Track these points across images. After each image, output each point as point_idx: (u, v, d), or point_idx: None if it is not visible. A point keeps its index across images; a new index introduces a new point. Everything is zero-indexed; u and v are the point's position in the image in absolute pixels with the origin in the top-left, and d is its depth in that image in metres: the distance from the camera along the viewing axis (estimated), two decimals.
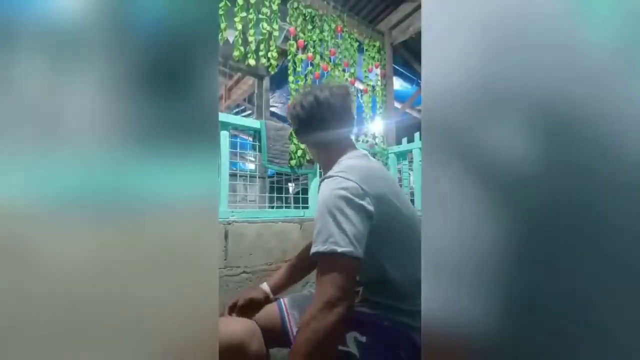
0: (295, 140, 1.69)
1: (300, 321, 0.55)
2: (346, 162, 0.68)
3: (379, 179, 0.65)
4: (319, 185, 0.65)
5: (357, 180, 0.60)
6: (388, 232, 0.62)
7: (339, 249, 0.54)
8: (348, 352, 0.60)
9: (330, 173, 0.64)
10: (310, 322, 0.53)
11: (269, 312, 0.77)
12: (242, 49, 1.54)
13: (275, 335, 0.72)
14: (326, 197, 0.59)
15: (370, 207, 0.59)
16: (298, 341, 0.54)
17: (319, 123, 0.73)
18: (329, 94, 0.72)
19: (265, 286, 0.83)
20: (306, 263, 0.88)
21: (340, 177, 0.61)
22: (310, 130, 0.74)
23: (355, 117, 0.78)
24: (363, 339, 0.61)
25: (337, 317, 0.53)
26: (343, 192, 0.58)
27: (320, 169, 0.84)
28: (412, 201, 2.02)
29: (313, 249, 0.57)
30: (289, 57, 1.81)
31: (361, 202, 0.58)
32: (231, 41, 1.55)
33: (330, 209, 0.57)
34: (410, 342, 0.62)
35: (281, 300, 0.80)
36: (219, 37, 1.45)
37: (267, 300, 0.81)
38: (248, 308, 0.78)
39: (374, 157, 2.03)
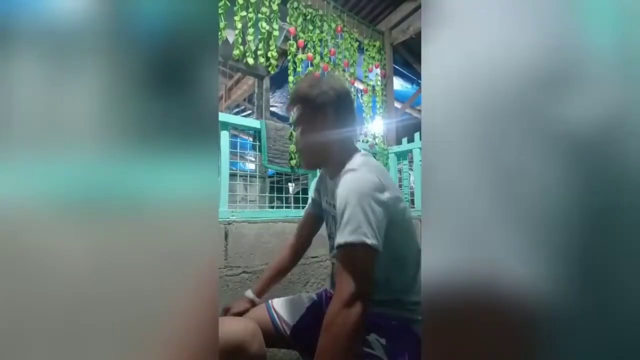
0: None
1: (325, 319, 0.55)
2: (360, 159, 0.67)
3: (391, 178, 0.67)
4: (342, 176, 0.63)
5: (379, 176, 0.61)
6: (397, 229, 0.62)
7: (368, 240, 0.54)
8: (373, 354, 0.60)
9: (350, 167, 0.64)
10: (335, 320, 0.53)
11: (256, 314, 0.78)
12: (241, 48, 1.54)
13: (265, 336, 0.73)
14: (354, 189, 0.58)
15: (389, 203, 0.60)
16: (326, 339, 0.53)
17: (343, 111, 0.69)
18: (347, 86, 0.71)
19: (249, 293, 0.83)
20: (287, 264, 0.89)
21: (364, 170, 0.61)
22: (333, 117, 0.68)
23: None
24: (383, 340, 0.62)
25: (358, 313, 0.53)
26: (370, 185, 0.59)
27: (308, 165, 0.78)
28: (412, 201, 2.02)
29: (340, 240, 0.56)
30: (289, 57, 1.81)
31: (383, 197, 0.59)
32: (231, 42, 1.55)
33: (360, 200, 0.57)
34: (417, 337, 0.63)
35: (269, 302, 0.81)
36: (219, 37, 1.44)
37: (253, 306, 0.82)
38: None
39: (374, 157, 2.03)
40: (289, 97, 0.73)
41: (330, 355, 0.52)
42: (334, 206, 0.70)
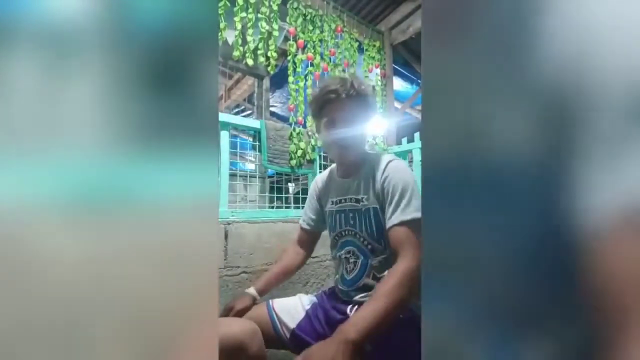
0: (295, 140, 1.68)
1: (404, 273, 0.59)
2: (386, 154, 0.74)
3: None
4: (386, 165, 0.70)
5: None
6: None
7: None
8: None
9: (389, 158, 0.71)
10: (413, 275, 0.58)
11: (256, 314, 0.77)
12: (241, 48, 1.54)
13: (264, 337, 0.72)
14: (410, 173, 0.69)
15: None
16: (394, 295, 0.56)
17: (374, 108, 0.78)
18: None
19: (252, 290, 0.82)
20: (293, 269, 0.88)
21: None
22: (370, 113, 0.76)
23: None
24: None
25: (414, 288, 0.58)
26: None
27: (337, 158, 0.79)
28: None
29: (408, 216, 0.63)
30: (289, 57, 1.81)
31: None
32: (230, 42, 1.55)
33: (416, 183, 0.67)
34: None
35: (269, 302, 0.80)
36: (219, 37, 1.44)
37: (254, 303, 0.81)
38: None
39: None
40: (322, 89, 0.73)
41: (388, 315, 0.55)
42: (357, 200, 0.74)
